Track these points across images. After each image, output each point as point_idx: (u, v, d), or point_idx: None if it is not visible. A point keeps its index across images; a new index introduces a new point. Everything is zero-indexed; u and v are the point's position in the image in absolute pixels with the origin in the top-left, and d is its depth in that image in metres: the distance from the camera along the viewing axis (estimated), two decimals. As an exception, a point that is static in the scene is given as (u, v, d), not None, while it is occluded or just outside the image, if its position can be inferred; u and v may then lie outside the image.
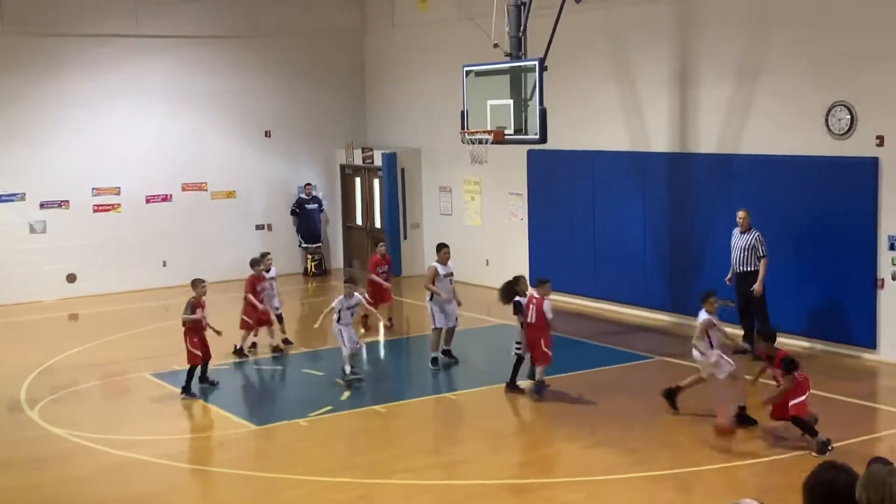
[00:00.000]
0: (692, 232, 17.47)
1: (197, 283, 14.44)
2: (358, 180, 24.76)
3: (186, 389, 14.09)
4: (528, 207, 20.56)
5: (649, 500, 10.29)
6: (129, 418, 13.56)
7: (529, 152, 19.80)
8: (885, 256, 14.70)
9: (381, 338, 17.91)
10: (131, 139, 22.39)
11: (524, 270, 18.92)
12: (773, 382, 11.65)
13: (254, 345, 16.53)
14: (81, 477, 11.40)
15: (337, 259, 24.95)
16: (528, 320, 13.67)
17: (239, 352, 16.23)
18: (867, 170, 14.72)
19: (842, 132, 15.07)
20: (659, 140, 17.97)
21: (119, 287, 22.12)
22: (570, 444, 12.15)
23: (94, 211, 22.20)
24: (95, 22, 21.84)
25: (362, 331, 17.04)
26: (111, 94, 22.11)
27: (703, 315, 12.37)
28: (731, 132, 16.68)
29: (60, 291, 21.74)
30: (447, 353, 15.65)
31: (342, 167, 24.97)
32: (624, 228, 18.54)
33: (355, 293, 15.01)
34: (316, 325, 15.24)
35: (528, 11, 14.95)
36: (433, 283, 15.40)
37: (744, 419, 11.85)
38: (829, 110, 15.17)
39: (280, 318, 16.76)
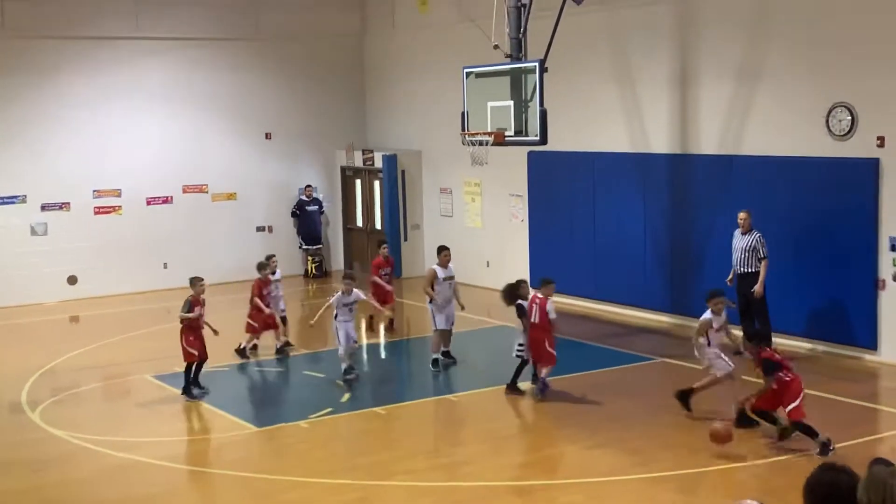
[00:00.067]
0: (693, 233, 17.47)
1: (195, 282, 14.42)
2: (358, 182, 24.77)
3: (187, 390, 14.08)
4: (529, 209, 20.57)
5: (651, 502, 10.29)
6: (130, 420, 13.55)
7: (530, 154, 19.80)
8: (885, 257, 14.69)
9: (382, 339, 17.90)
10: (132, 141, 22.40)
11: (525, 272, 18.93)
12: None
13: (255, 346, 16.54)
14: (82, 479, 11.40)
15: (337, 261, 24.95)
16: (532, 320, 13.68)
17: (241, 352, 16.23)
18: (868, 171, 14.72)
19: (842, 133, 15.07)
20: (659, 141, 17.97)
21: (120, 289, 22.13)
22: (571, 446, 12.15)
23: (95, 213, 22.21)
24: (95, 24, 21.85)
25: (369, 331, 17.16)
26: (111, 96, 22.12)
27: (706, 314, 12.42)
28: (731, 133, 16.68)
29: (61, 293, 21.75)
30: (446, 353, 15.66)
31: (342, 169, 24.98)
32: (624, 230, 18.54)
33: (353, 289, 15.03)
34: (312, 322, 15.41)
35: (529, 13, 14.96)
36: (432, 286, 15.40)
37: (744, 420, 11.83)
38: (830, 111, 15.17)
39: (284, 320, 16.77)
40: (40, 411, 13.79)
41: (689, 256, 17.51)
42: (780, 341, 15.49)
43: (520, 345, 13.96)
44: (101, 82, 22.02)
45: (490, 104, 15.01)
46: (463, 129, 15.49)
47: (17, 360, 16.74)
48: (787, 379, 11.19)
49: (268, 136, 24.12)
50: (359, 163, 24.37)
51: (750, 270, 15.14)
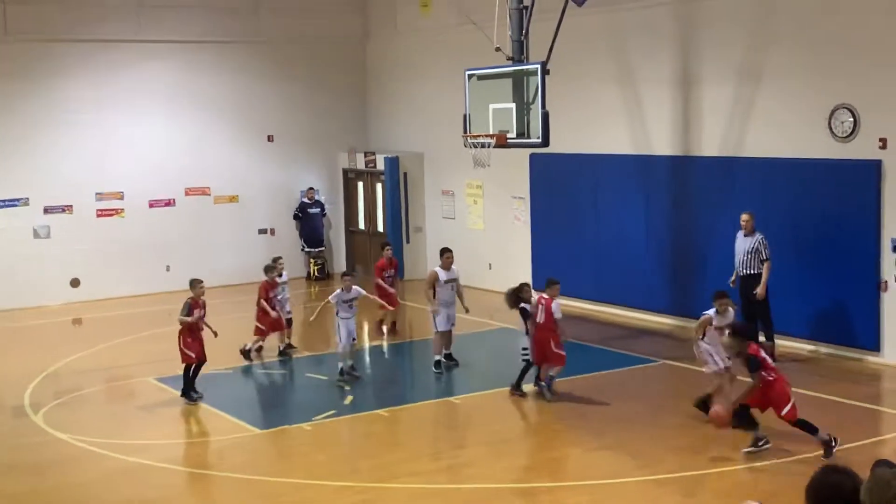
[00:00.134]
0: (695, 235, 17.47)
1: (195, 284, 14.39)
2: (360, 184, 24.78)
3: (186, 393, 14.05)
4: (531, 211, 20.56)
5: (654, 504, 10.30)
6: (133, 423, 13.56)
7: (532, 156, 19.79)
8: (888, 259, 14.68)
9: (385, 341, 17.90)
10: (134, 144, 22.43)
11: (527, 274, 18.92)
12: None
13: (260, 348, 16.55)
14: (85, 481, 11.40)
15: (340, 263, 24.95)
16: (537, 321, 13.70)
17: (245, 353, 16.24)
18: (870, 172, 14.71)
19: (845, 135, 15.07)
20: (661, 143, 17.97)
21: (122, 291, 22.14)
22: (574, 448, 12.16)
23: (98, 216, 22.23)
24: (98, 27, 21.88)
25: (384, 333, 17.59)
26: (114, 99, 22.14)
27: (709, 312, 12.46)
28: (733, 135, 16.68)
29: (64, 296, 21.77)
30: (448, 356, 15.67)
31: (345, 171, 24.99)
32: (626, 231, 18.53)
33: (354, 286, 15.09)
34: (311, 318, 15.48)
35: (530, 15, 14.98)
36: (433, 289, 15.42)
37: (743, 421, 11.77)
38: (832, 113, 15.17)
39: (289, 322, 16.79)
40: (43, 414, 13.81)
41: (692, 258, 17.51)
42: (782, 343, 15.52)
43: (524, 348, 13.98)
44: (104, 85, 22.03)
45: (492, 106, 15.02)
46: (465, 132, 15.50)
47: (20, 363, 16.76)
48: (770, 379, 11.06)
49: (270, 138, 24.13)
50: (361, 165, 24.37)
51: (752, 272, 15.15)
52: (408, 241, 23.41)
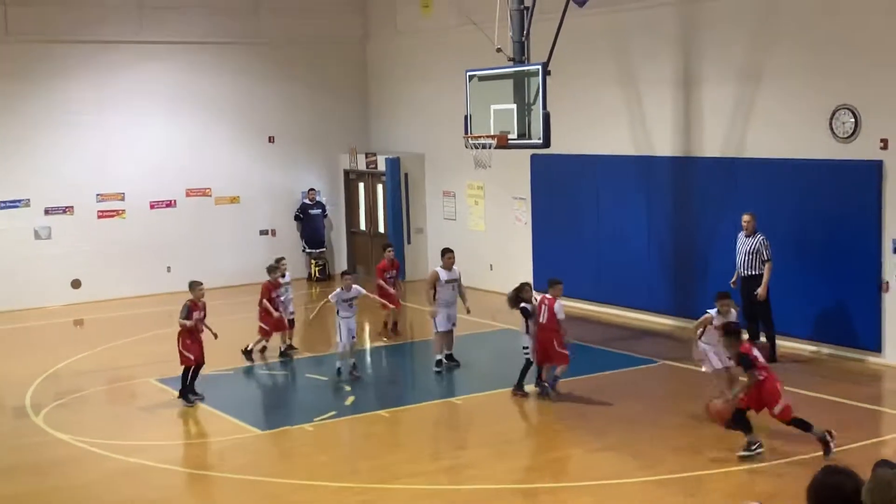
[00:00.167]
0: (696, 236, 17.46)
1: (194, 286, 14.36)
2: (361, 185, 24.77)
3: (184, 394, 14.02)
4: (532, 212, 20.57)
5: (655, 505, 10.29)
6: (134, 424, 13.56)
7: (533, 157, 19.79)
8: (889, 259, 14.67)
9: (386, 342, 17.89)
10: (135, 145, 22.43)
11: (528, 275, 18.90)
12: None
13: (264, 349, 16.54)
14: (86, 482, 11.40)
15: (341, 264, 24.91)
16: (540, 321, 13.72)
17: (247, 353, 16.24)
18: (871, 173, 14.71)
19: (846, 135, 15.06)
20: (663, 144, 17.97)
21: (123, 292, 22.15)
22: (576, 449, 12.15)
23: (99, 217, 22.23)
24: (99, 29, 21.88)
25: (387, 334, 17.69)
26: (115, 100, 22.15)
27: (710, 311, 12.47)
28: (735, 136, 16.68)
29: (65, 297, 21.77)
30: (450, 356, 15.67)
31: (346, 172, 24.99)
32: (628, 232, 18.53)
33: (353, 285, 15.12)
34: (311, 317, 15.59)
35: (531, 16, 14.98)
36: (434, 289, 15.44)
37: (740, 423, 11.72)
38: (834, 114, 15.16)
39: (291, 323, 16.79)
40: (44, 415, 13.81)
41: (693, 259, 17.51)
42: (784, 343, 15.51)
43: (524, 347, 14.00)
44: (105, 86, 22.04)
45: (493, 107, 15.01)
46: (466, 133, 15.49)
47: (21, 364, 16.76)
48: (761, 378, 11.07)
49: (271, 139, 24.14)
50: (362, 166, 24.37)
51: (754, 273, 15.15)
52: (409, 242, 23.41)
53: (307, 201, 24.17)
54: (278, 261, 16.79)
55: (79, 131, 21.88)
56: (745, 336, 14.62)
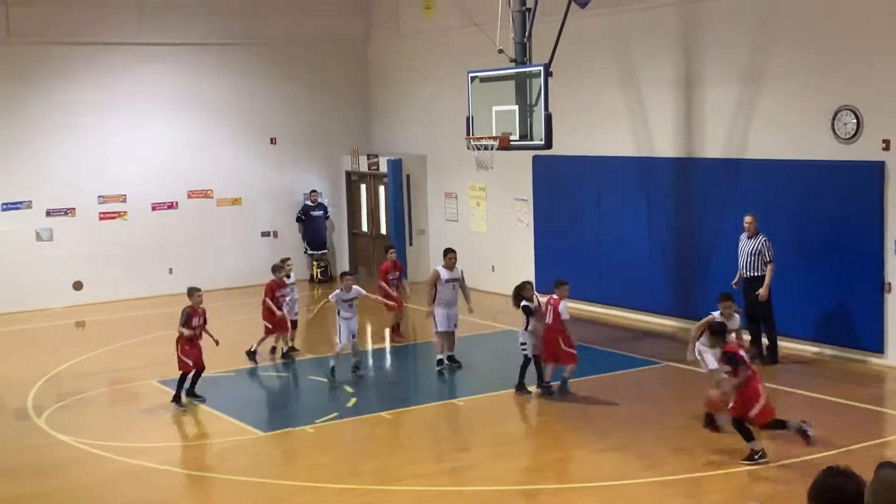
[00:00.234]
0: (698, 237, 17.45)
1: (192, 292, 14.27)
2: (363, 187, 24.78)
3: (176, 399, 13.97)
4: (534, 213, 20.56)
5: (658, 506, 10.28)
6: (135, 425, 13.55)
7: (535, 158, 19.78)
8: (892, 260, 14.66)
9: (388, 344, 17.90)
10: (137, 147, 22.44)
11: (530, 276, 18.88)
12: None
13: (273, 349, 16.53)
14: (88, 484, 11.40)
15: (343, 266, 24.89)
16: (546, 321, 13.78)
17: (251, 355, 16.24)
18: (873, 174, 14.69)
19: (848, 136, 15.05)
20: (664, 145, 17.96)
21: (125, 294, 22.16)
22: (578, 450, 12.15)
23: (101, 218, 22.24)
24: (100, 30, 21.89)
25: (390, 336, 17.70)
26: (116, 101, 22.16)
27: (713, 313, 12.47)
28: (736, 136, 16.67)
29: (67, 299, 21.78)
30: (451, 358, 15.67)
31: (347, 174, 24.99)
32: (630, 233, 18.52)
33: (354, 286, 15.14)
34: (310, 317, 15.68)
35: (533, 17, 14.98)
36: (434, 288, 15.45)
37: (741, 431, 11.70)
38: (836, 114, 15.15)
39: (294, 324, 16.80)
40: (46, 417, 13.81)
41: (695, 260, 17.50)
42: (786, 345, 15.50)
43: (522, 343, 14.02)
44: (105, 88, 22.05)
45: (495, 108, 15.00)
46: (468, 134, 15.49)
47: (23, 366, 16.76)
48: (746, 378, 11.09)
49: (273, 141, 24.14)
50: (364, 167, 24.37)
51: (756, 274, 15.14)
52: (411, 244, 23.40)
53: (309, 203, 24.17)
54: (284, 261, 16.80)
55: (80, 133, 21.89)
56: (748, 337, 14.67)
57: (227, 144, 23.53)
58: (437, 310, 15.53)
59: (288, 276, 16.60)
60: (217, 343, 14.28)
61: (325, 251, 24.47)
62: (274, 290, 16.32)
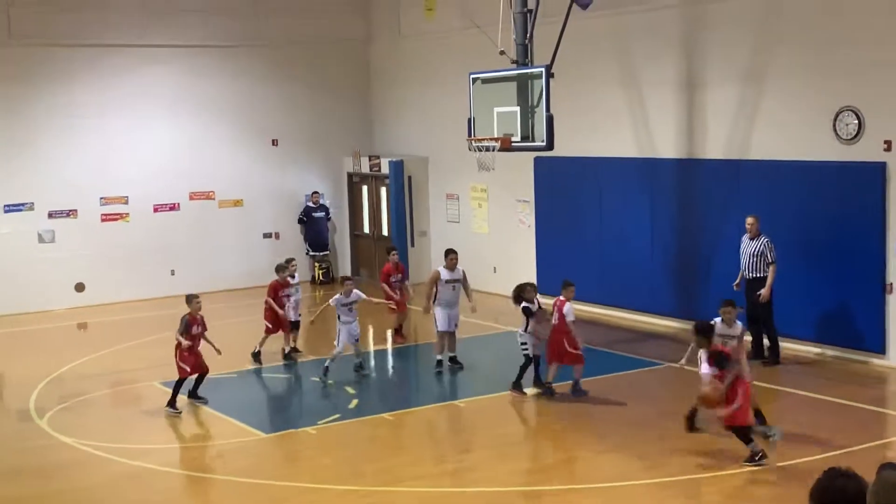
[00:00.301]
0: (700, 238, 17.45)
1: (191, 299, 14.21)
2: (365, 188, 24.78)
3: (171, 403, 13.91)
4: (535, 214, 20.57)
5: (659, 507, 10.28)
6: (137, 427, 13.56)
7: (536, 159, 19.79)
8: (893, 261, 14.65)
9: (389, 345, 17.90)
10: (139, 148, 22.45)
11: (532, 277, 18.89)
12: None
13: (289, 350, 16.50)
14: (90, 485, 11.41)
15: (345, 267, 24.95)
16: (552, 322, 13.84)
17: (256, 356, 16.25)
18: (875, 175, 14.69)
19: (849, 137, 15.05)
20: (666, 146, 17.96)
21: (127, 296, 22.17)
22: (580, 451, 12.15)
23: (103, 220, 22.24)
24: (102, 32, 21.90)
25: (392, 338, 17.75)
26: (118, 103, 22.17)
27: (716, 319, 12.47)
28: (738, 137, 16.67)
29: (69, 300, 21.78)
30: (453, 359, 15.68)
31: (349, 175, 24.99)
32: (631, 235, 18.52)
33: (353, 290, 15.15)
34: (312, 319, 16.02)
35: (535, 18, 14.99)
36: (434, 288, 15.47)
37: (739, 434, 11.68)
38: (837, 115, 15.15)
39: (297, 325, 16.80)
40: (48, 418, 13.81)
41: (697, 261, 17.50)
42: (788, 346, 15.50)
43: (523, 343, 14.03)
44: (107, 90, 22.06)
45: (496, 110, 15.01)
46: (469, 135, 15.50)
47: (25, 368, 16.78)
48: (718, 376, 11.10)
49: (274, 142, 24.15)
50: (365, 169, 24.37)
51: (758, 275, 15.14)
52: (412, 245, 23.40)
53: (311, 204, 24.18)
54: (288, 261, 16.82)
55: (82, 134, 21.90)
56: (749, 338, 14.65)
57: (228, 146, 23.55)
58: (438, 310, 15.55)
59: (293, 277, 16.62)
60: (219, 353, 14.14)
61: (327, 252, 24.48)
62: (277, 290, 16.34)
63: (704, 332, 11.54)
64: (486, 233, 21.99)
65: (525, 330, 14.03)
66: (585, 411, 13.47)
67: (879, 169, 14.66)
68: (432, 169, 23.47)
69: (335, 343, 15.23)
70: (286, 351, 16.60)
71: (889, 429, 12.70)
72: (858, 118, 14.88)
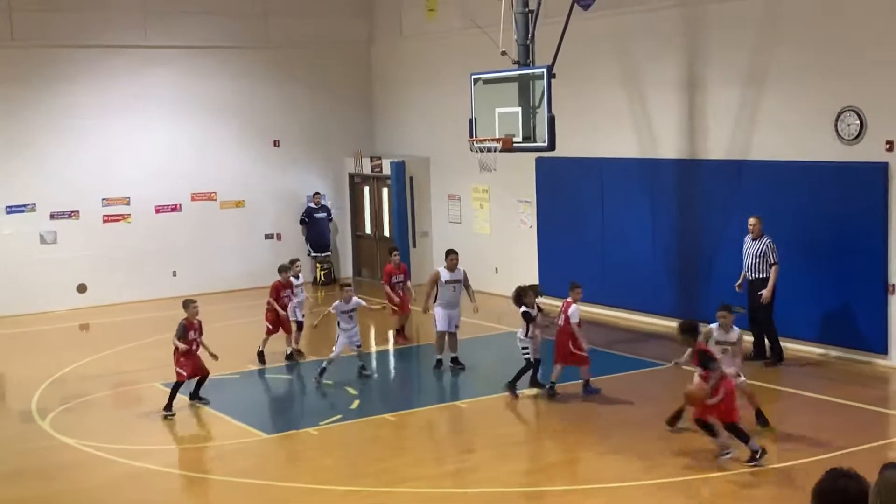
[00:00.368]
0: (702, 238, 17.45)
1: (188, 304, 14.18)
2: (367, 189, 24.79)
3: (167, 406, 13.88)
4: (537, 215, 20.56)
5: (661, 508, 10.27)
6: (139, 428, 13.56)
7: (538, 160, 19.79)
8: (895, 261, 14.64)
9: (391, 346, 17.89)
10: (140, 149, 22.46)
11: (533, 278, 18.88)
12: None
13: (291, 351, 16.49)
14: (92, 486, 11.41)
15: (346, 268, 24.97)
16: (558, 323, 13.88)
17: (261, 356, 16.25)
18: (877, 175, 14.68)
19: (851, 137, 15.04)
20: (667, 146, 17.96)
21: (129, 297, 22.17)
22: (581, 452, 12.15)
23: (104, 221, 22.25)
24: (104, 33, 21.92)
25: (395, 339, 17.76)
26: (120, 104, 22.18)
27: (713, 325, 12.46)
28: (740, 138, 16.66)
29: (71, 302, 21.79)
30: (455, 360, 15.68)
31: (351, 176, 25.00)
32: (633, 235, 18.52)
33: (353, 297, 15.14)
34: (315, 323, 15.96)
35: (536, 19, 14.99)
36: (434, 288, 15.47)
37: (736, 433, 11.68)
38: (839, 115, 15.14)
39: (300, 326, 16.79)
40: (50, 419, 13.82)
41: (698, 262, 17.49)
42: (790, 346, 15.49)
43: (524, 347, 14.03)
44: (109, 91, 22.07)
45: (498, 110, 15.02)
46: (471, 136, 15.50)
47: (27, 369, 16.78)
48: (704, 375, 11.11)
49: (276, 143, 24.16)
50: (367, 170, 24.39)
51: (761, 276, 15.13)
52: (414, 246, 23.40)
53: (312, 205, 24.19)
54: (292, 262, 16.83)
55: (83, 136, 21.92)
56: (751, 339, 14.66)
57: (230, 147, 23.55)
58: (437, 310, 15.55)
59: (296, 277, 16.63)
60: (216, 358, 14.08)
61: (329, 253, 24.49)
62: (279, 291, 16.34)
63: (689, 331, 11.50)
64: (488, 233, 21.99)
65: (526, 335, 14.01)
66: (586, 412, 13.47)
67: (881, 169, 14.66)
68: (434, 169, 23.47)
69: (333, 348, 15.21)
70: (288, 352, 16.60)
71: (891, 429, 12.69)
72: (860, 118, 14.88)
